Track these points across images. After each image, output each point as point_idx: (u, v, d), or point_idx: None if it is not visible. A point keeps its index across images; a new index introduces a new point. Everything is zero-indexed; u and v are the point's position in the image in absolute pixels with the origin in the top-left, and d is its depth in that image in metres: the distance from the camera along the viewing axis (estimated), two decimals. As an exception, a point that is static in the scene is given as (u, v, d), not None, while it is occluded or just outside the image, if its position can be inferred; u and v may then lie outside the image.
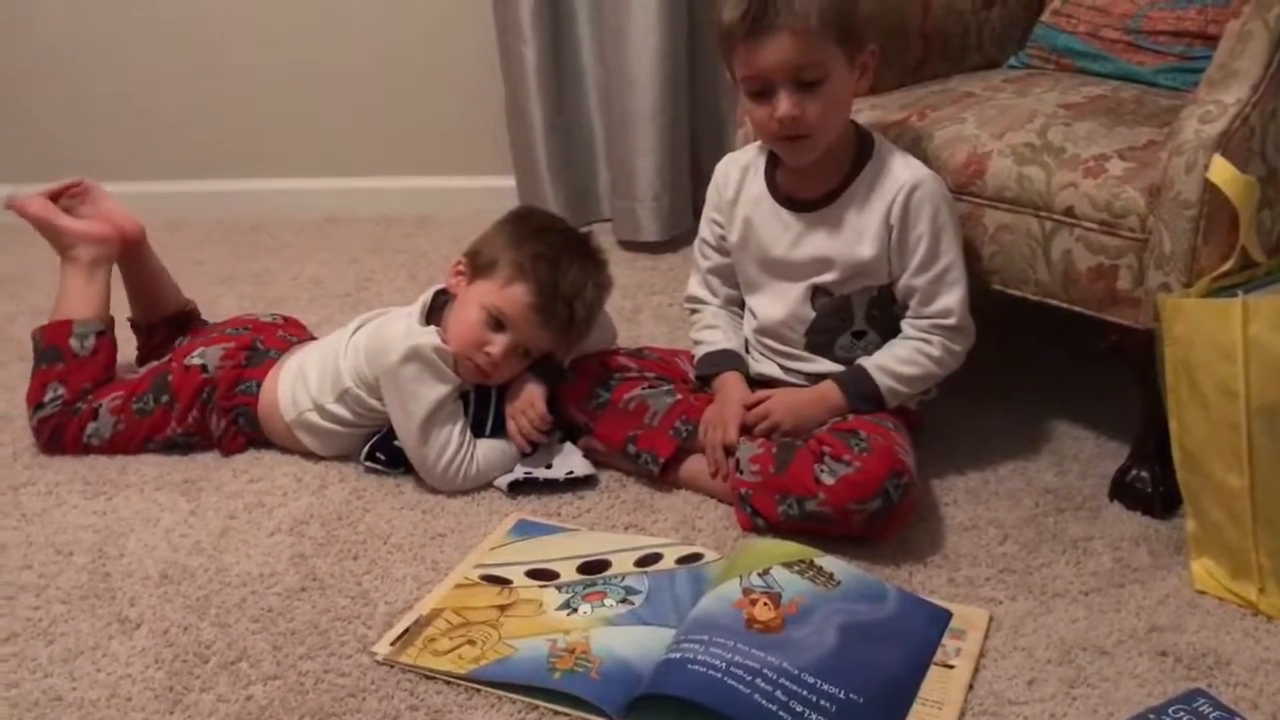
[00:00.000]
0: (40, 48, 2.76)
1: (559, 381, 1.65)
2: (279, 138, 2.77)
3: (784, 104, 1.42)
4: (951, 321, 1.53)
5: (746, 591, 1.30)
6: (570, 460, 1.63)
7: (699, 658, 1.19)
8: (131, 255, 1.90)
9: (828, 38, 1.41)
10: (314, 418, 1.66)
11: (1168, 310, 1.34)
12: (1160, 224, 1.38)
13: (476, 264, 1.65)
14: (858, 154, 1.53)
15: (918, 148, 1.60)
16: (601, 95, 2.49)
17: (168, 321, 1.94)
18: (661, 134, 2.38)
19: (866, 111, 1.69)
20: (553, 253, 1.62)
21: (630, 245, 2.47)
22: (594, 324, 1.68)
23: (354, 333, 1.70)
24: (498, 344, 1.60)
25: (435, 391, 1.58)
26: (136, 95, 2.76)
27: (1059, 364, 1.87)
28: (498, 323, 1.60)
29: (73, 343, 1.77)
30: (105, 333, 1.80)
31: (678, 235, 2.46)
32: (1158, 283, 1.39)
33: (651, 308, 2.18)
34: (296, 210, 2.75)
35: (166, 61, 2.73)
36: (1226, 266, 1.35)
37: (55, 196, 1.85)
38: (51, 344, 1.77)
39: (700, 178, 2.48)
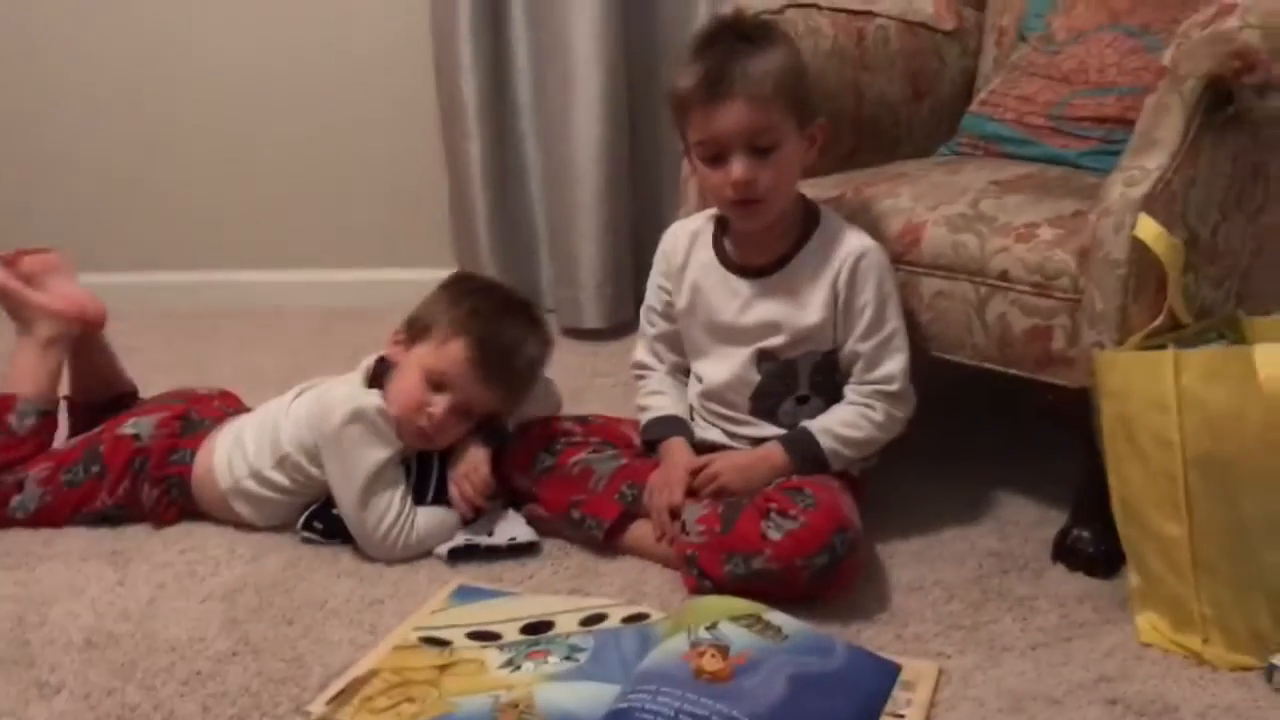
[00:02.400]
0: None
1: (503, 445, 1.64)
2: (222, 230, 2.77)
3: (738, 168, 1.46)
4: (894, 388, 1.55)
5: (694, 644, 1.27)
6: (513, 527, 1.61)
7: (648, 706, 1.16)
8: (84, 339, 1.86)
9: (781, 106, 1.46)
10: (251, 485, 1.63)
11: (1102, 364, 1.37)
12: (1091, 284, 1.42)
13: (413, 330, 1.66)
14: (805, 223, 1.57)
15: (855, 220, 1.64)
16: (544, 187, 2.54)
17: (107, 403, 1.89)
18: (604, 223, 2.42)
19: (803, 189, 1.74)
20: (489, 308, 1.63)
21: (574, 333, 2.48)
22: (535, 381, 1.68)
23: (294, 399, 1.68)
24: (439, 404, 1.59)
25: (377, 455, 1.55)
26: (85, 185, 2.76)
27: (995, 431, 1.90)
28: (438, 383, 1.60)
29: (11, 419, 1.72)
30: (48, 414, 1.76)
31: (620, 323, 2.48)
32: (1091, 341, 1.42)
33: (596, 389, 2.18)
34: (238, 302, 2.74)
35: (111, 153, 2.74)
36: (1156, 324, 1.39)
37: (16, 257, 1.81)
38: None
39: (640, 268, 2.48)
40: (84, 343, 1.86)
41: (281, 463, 1.61)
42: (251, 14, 2.65)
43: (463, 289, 1.69)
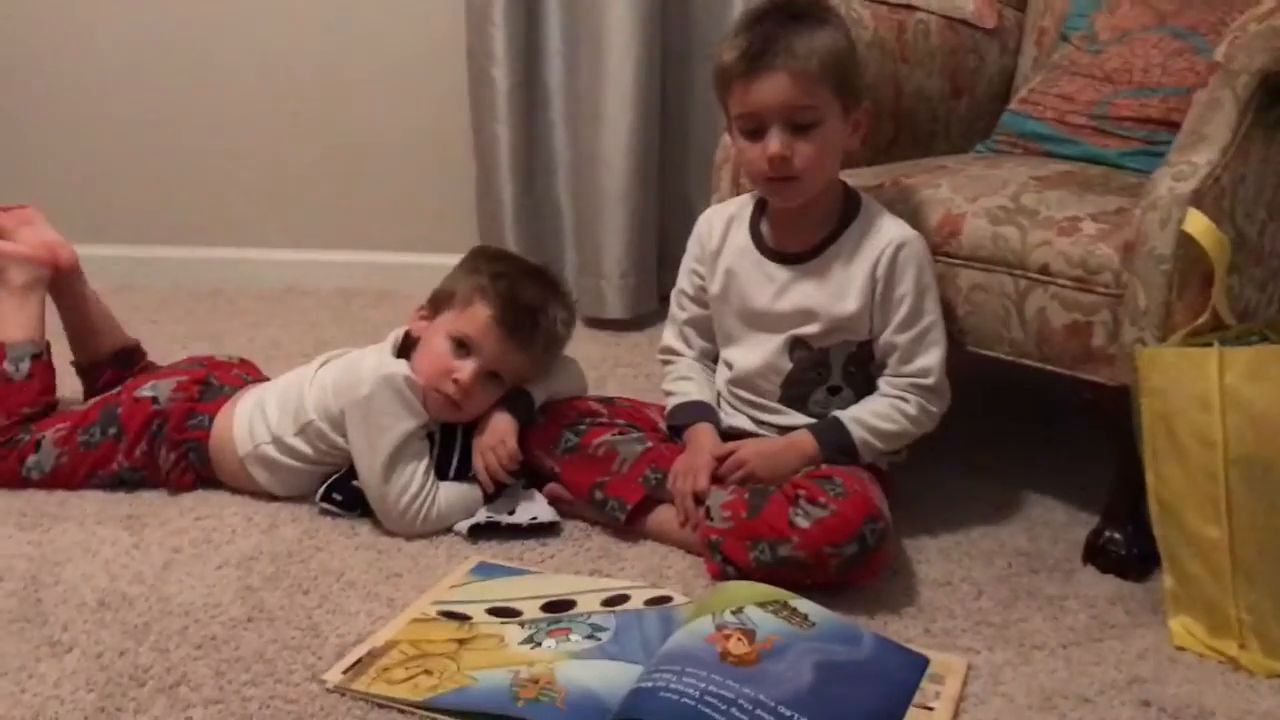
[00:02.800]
0: (4, 106, 2.74)
1: (530, 420, 1.62)
2: (244, 206, 2.76)
3: (775, 143, 1.44)
4: (929, 381, 1.52)
5: (720, 627, 1.25)
6: (534, 506, 1.58)
7: (672, 686, 1.14)
8: (66, 288, 1.86)
9: (825, 83, 1.44)
10: (271, 451, 1.60)
11: (1144, 360, 1.35)
12: (1135, 279, 1.39)
13: (436, 301, 1.65)
14: (845, 209, 1.54)
15: (893, 210, 1.61)
16: (572, 175, 2.52)
17: (111, 359, 1.89)
18: (631, 214, 2.40)
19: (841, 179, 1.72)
20: (512, 271, 1.63)
21: (595, 323, 2.46)
22: (561, 343, 1.66)
23: (319, 368, 1.65)
24: (465, 369, 1.57)
25: (403, 425, 1.53)
26: (103, 158, 2.75)
27: (1025, 431, 1.88)
28: (463, 347, 1.58)
29: (6, 366, 1.71)
30: (40, 356, 1.75)
31: (642, 314, 2.46)
32: (1132, 338, 1.40)
33: (618, 378, 2.16)
34: (257, 279, 2.72)
35: (133, 126, 2.73)
36: (1200, 322, 1.36)
37: None
38: None
39: (665, 259, 2.50)
40: (66, 294, 1.86)
41: (304, 430, 1.59)
42: (283, -7, 2.63)
43: (482, 257, 1.69)
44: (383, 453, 1.52)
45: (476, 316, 1.58)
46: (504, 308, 1.58)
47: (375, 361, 1.57)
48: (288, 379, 1.68)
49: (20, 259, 1.79)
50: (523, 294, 1.60)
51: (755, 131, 1.46)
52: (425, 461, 1.55)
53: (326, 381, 1.61)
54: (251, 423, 1.62)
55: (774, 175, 1.46)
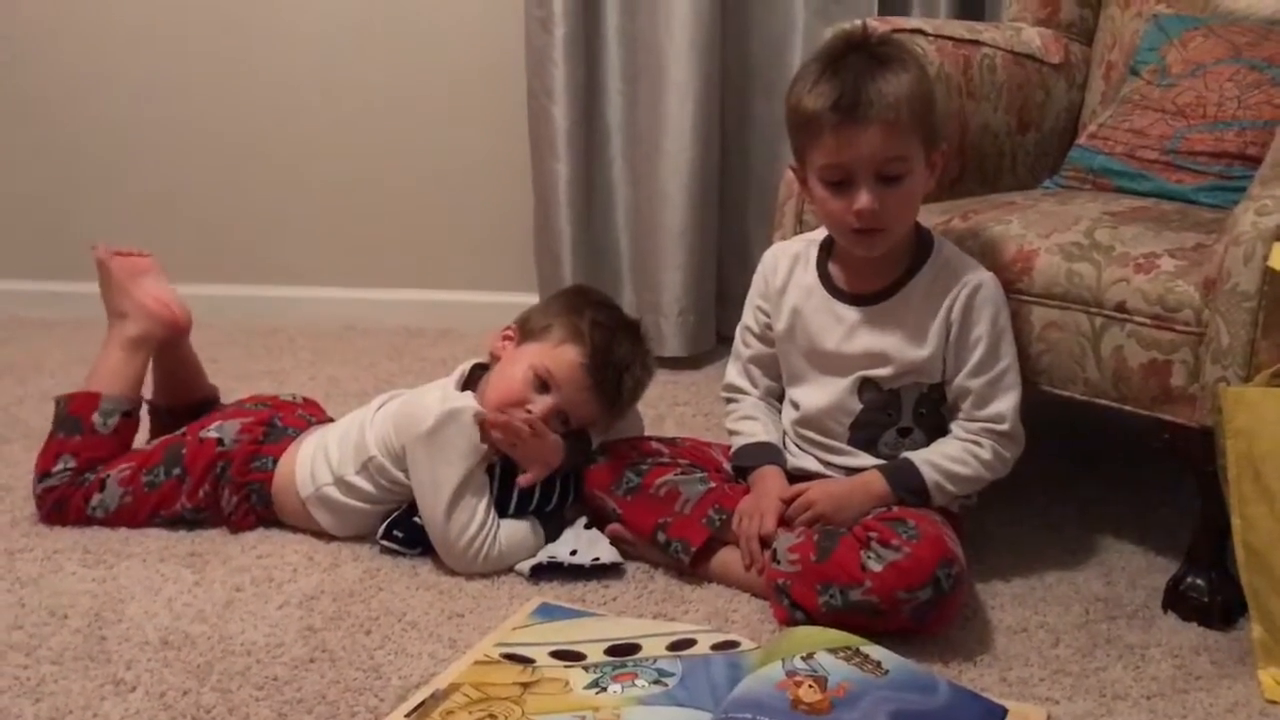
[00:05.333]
0: (71, 144, 2.79)
1: (586, 461, 1.60)
2: (303, 245, 2.78)
3: (864, 197, 1.40)
4: (1004, 427, 1.48)
5: (790, 674, 1.21)
6: (596, 547, 1.56)
7: (743, 734, 1.11)
8: (174, 344, 1.85)
9: (914, 133, 1.41)
10: (333, 492, 1.60)
11: (1229, 401, 1.30)
12: (1217, 317, 1.35)
13: (527, 328, 1.64)
14: (918, 250, 1.51)
15: (962, 246, 1.58)
16: (631, 212, 2.51)
17: (190, 408, 1.88)
18: (690, 250, 2.39)
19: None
20: (610, 322, 1.62)
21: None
22: (634, 403, 1.65)
23: (378, 409, 1.65)
24: (540, 405, 1.56)
25: (468, 461, 1.52)
26: (164, 197, 2.79)
27: (1100, 473, 1.83)
28: (544, 383, 1.57)
29: (96, 418, 1.70)
30: (131, 414, 1.74)
31: (701, 352, 2.44)
32: (1215, 377, 1.35)
33: (675, 417, 2.14)
34: (316, 318, 2.74)
35: (193, 164, 2.77)
36: (1287, 361, 1.32)
37: (113, 255, 1.82)
38: (74, 414, 1.70)
39: (724, 297, 2.48)
40: (169, 348, 1.85)
41: (365, 466, 1.58)
42: (343, 31, 2.66)
43: (584, 299, 1.68)
44: (447, 488, 1.51)
45: (566, 358, 1.58)
46: (596, 358, 1.58)
47: (439, 395, 1.57)
48: (349, 420, 1.68)
49: (143, 311, 1.77)
50: (617, 349, 1.60)
51: (841, 183, 1.42)
52: (486, 498, 1.54)
53: (389, 416, 1.60)
54: (314, 464, 1.62)
55: (861, 228, 1.43)
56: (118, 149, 2.78)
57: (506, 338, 1.66)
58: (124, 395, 1.74)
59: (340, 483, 1.60)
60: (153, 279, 1.83)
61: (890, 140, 1.39)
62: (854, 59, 1.41)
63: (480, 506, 1.52)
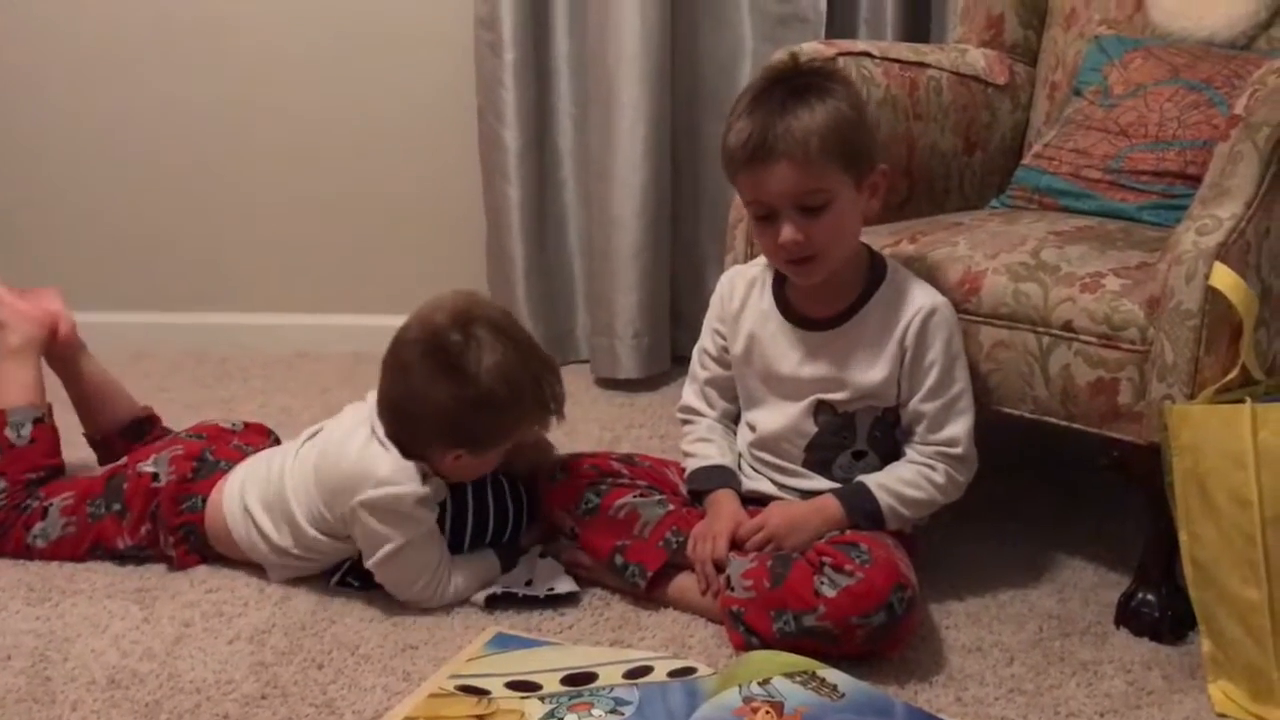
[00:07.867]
0: (11, 168, 2.74)
1: (549, 477, 1.61)
2: (252, 271, 2.75)
3: (786, 230, 1.41)
4: (958, 451, 1.49)
5: (747, 700, 1.22)
6: (551, 577, 1.55)
7: (700, 763, 1.10)
8: (67, 361, 1.84)
9: (830, 162, 1.40)
10: (275, 559, 1.57)
11: (1174, 418, 1.32)
12: (1161, 335, 1.37)
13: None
14: (871, 275, 1.52)
15: (910, 268, 1.59)
16: (583, 235, 2.51)
17: (122, 432, 1.86)
18: (644, 272, 2.38)
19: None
20: (502, 361, 1.53)
21: (607, 383, 2.43)
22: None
23: (296, 454, 1.60)
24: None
25: (404, 534, 1.48)
26: (109, 222, 2.74)
27: (1050, 491, 1.85)
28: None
29: (8, 433, 1.69)
30: (43, 420, 1.73)
31: (655, 375, 2.43)
32: (1160, 395, 1.37)
33: (631, 439, 2.13)
34: (267, 345, 2.70)
35: (140, 189, 2.72)
36: (1229, 378, 1.34)
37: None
38: None
39: (678, 319, 2.49)
40: (67, 370, 1.85)
41: (309, 548, 1.55)
42: (292, 56, 2.64)
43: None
44: (389, 547, 1.48)
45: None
46: (517, 404, 1.53)
47: (353, 461, 1.49)
48: (266, 464, 1.61)
49: (20, 317, 1.78)
50: (521, 376, 1.53)
51: (767, 217, 1.44)
52: (436, 545, 1.52)
53: (310, 471, 1.54)
54: (248, 530, 1.57)
55: (790, 259, 1.44)
56: (61, 174, 2.74)
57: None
58: (28, 403, 1.73)
59: (282, 553, 1.56)
60: (38, 295, 1.84)
61: (802, 175, 1.39)
62: (776, 93, 1.42)
63: (430, 555, 1.50)
